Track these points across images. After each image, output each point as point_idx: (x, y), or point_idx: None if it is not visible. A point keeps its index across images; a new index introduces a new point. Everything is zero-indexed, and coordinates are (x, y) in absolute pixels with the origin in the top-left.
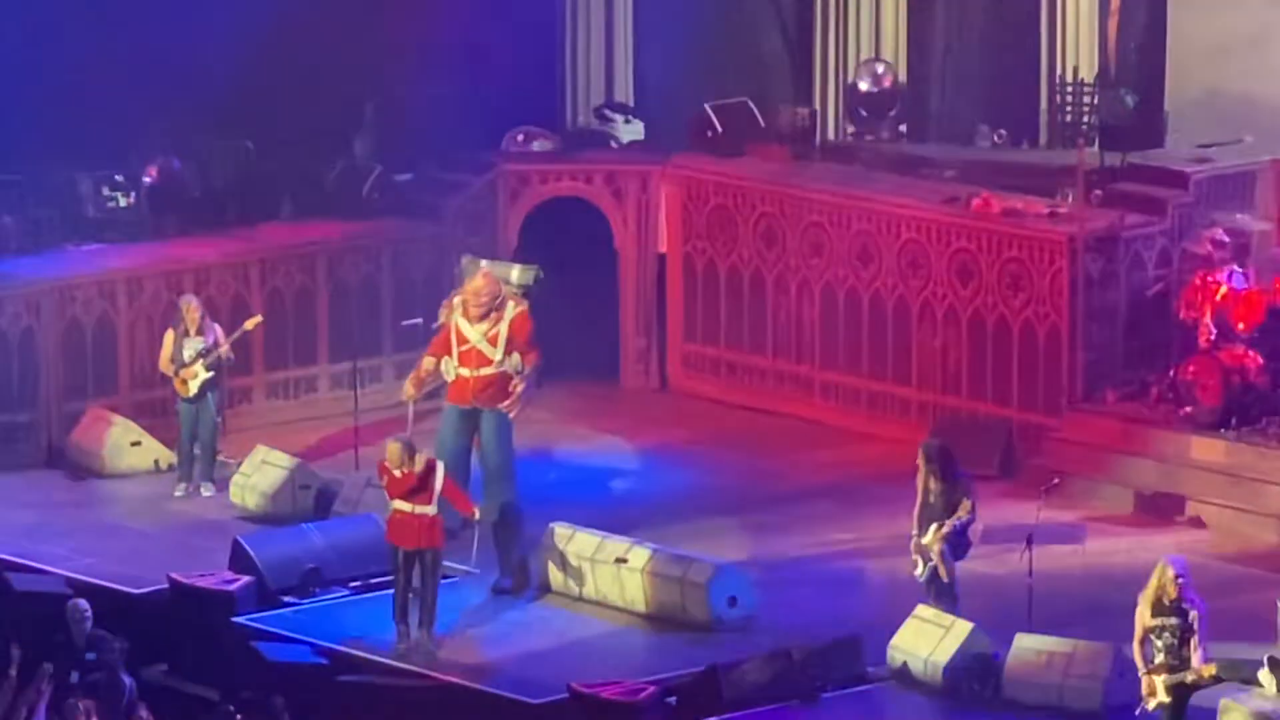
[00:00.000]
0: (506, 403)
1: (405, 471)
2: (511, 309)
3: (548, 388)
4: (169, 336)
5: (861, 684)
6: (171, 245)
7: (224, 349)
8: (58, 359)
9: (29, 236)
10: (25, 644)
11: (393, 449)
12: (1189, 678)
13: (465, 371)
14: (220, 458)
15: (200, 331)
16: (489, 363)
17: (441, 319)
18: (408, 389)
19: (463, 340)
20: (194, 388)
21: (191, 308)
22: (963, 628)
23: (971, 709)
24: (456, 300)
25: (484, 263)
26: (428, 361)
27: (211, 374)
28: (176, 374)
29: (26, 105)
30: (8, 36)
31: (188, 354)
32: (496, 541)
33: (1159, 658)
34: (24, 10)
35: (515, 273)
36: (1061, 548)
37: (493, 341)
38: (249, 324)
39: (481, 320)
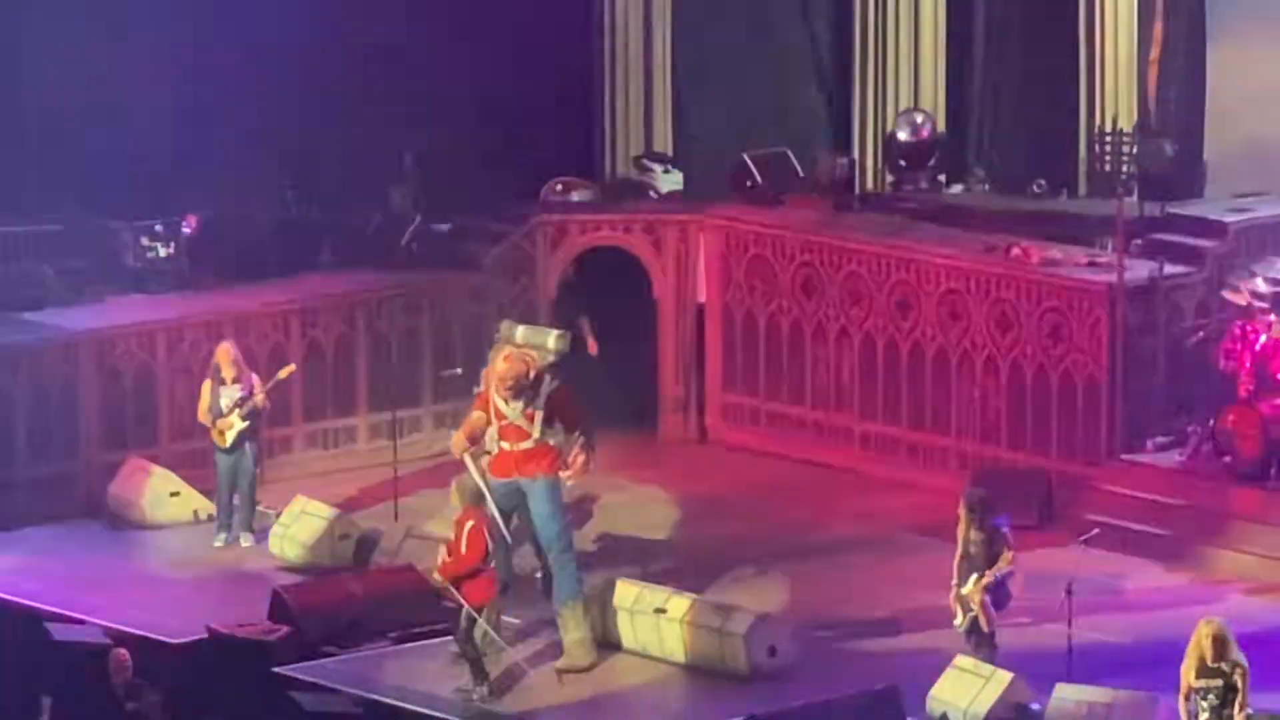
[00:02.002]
0: (569, 474)
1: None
2: (548, 384)
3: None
4: (206, 386)
5: None
6: (211, 295)
7: (259, 397)
8: (97, 409)
9: (68, 287)
10: (61, 694)
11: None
12: None
13: (506, 445)
14: (260, 508)
15: (236, 380)
16: (527, 437)
17: (482, 385)
18: (458, 443)
19: (500, 415)
20: (230, 438)
21: (227, 355)
22: (1002, 678)
23: None
24: (486, 370)
25: (520, 330)
26: (477, 417)
27: (247, 423)
28: (214, 424)
29: (67, 155)
30: (49, 87)
31: (224, 403)
32: (564, 622)
33: (1203, 716)
34: (65, 61)
35: (552, 340)
36: (1101, 598)
37: (530, 419)
38: (283, 373)
39: (516, 399)
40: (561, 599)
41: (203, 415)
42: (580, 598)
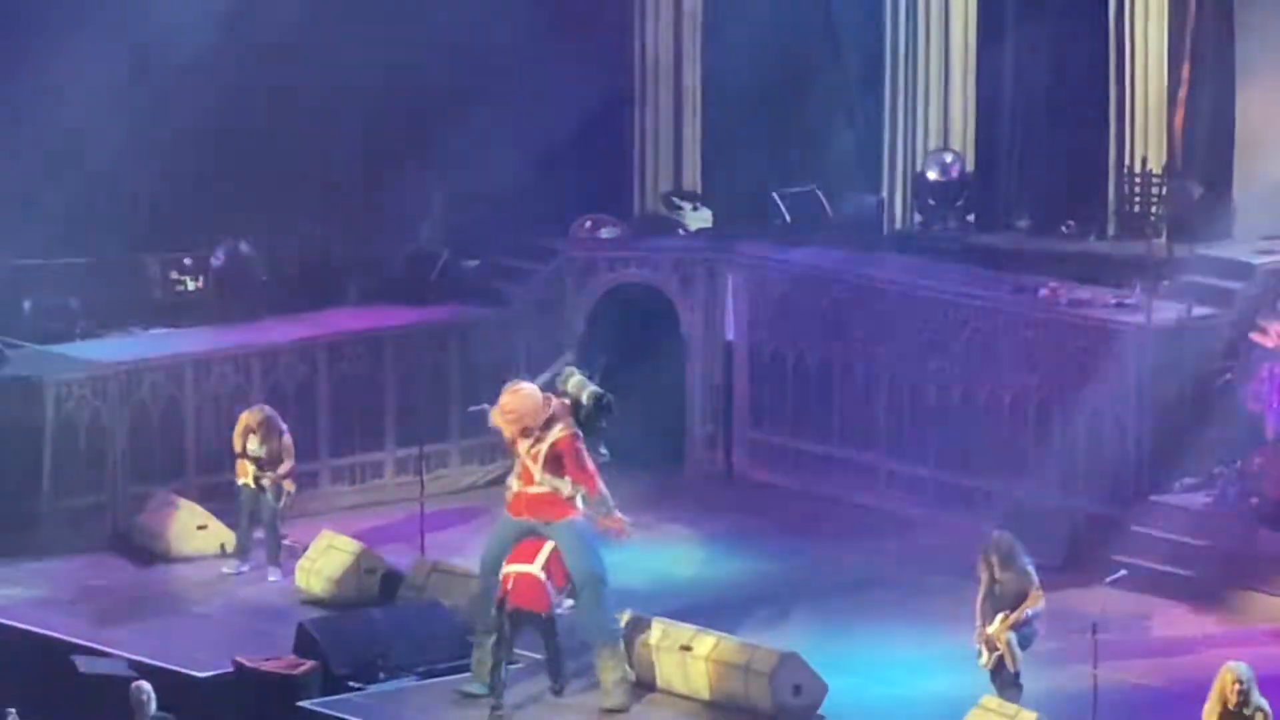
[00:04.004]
0: (613, 529)
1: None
2: (557, 431)
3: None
4: (241, 420)
5: None
6: (239, 329)
7: (283, 471)
8: (125, 442)
9: (96, 320)
10: None
11: None
12: None
13: (517, 485)
14: (286, 542)
15: (264, 441)
16: (533, 480)
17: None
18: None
19: (518, 454)
20: (248, 477)
21: (253, 421)
22: (1028, 718)
23: None
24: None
25: (574, 379)
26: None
27: (264, 476)
28: (240, 455)
29: (95, 188)
30: (77, 120)
31: (251, 449)
32: (602, 663)
33: None
34: (92, 93)
35: (586, 395)
36: (1127, 639)
37: (534, 458)
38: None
39: (525, 437)
40: (600, 639)
41: (236, 440)
42: (619, 638)
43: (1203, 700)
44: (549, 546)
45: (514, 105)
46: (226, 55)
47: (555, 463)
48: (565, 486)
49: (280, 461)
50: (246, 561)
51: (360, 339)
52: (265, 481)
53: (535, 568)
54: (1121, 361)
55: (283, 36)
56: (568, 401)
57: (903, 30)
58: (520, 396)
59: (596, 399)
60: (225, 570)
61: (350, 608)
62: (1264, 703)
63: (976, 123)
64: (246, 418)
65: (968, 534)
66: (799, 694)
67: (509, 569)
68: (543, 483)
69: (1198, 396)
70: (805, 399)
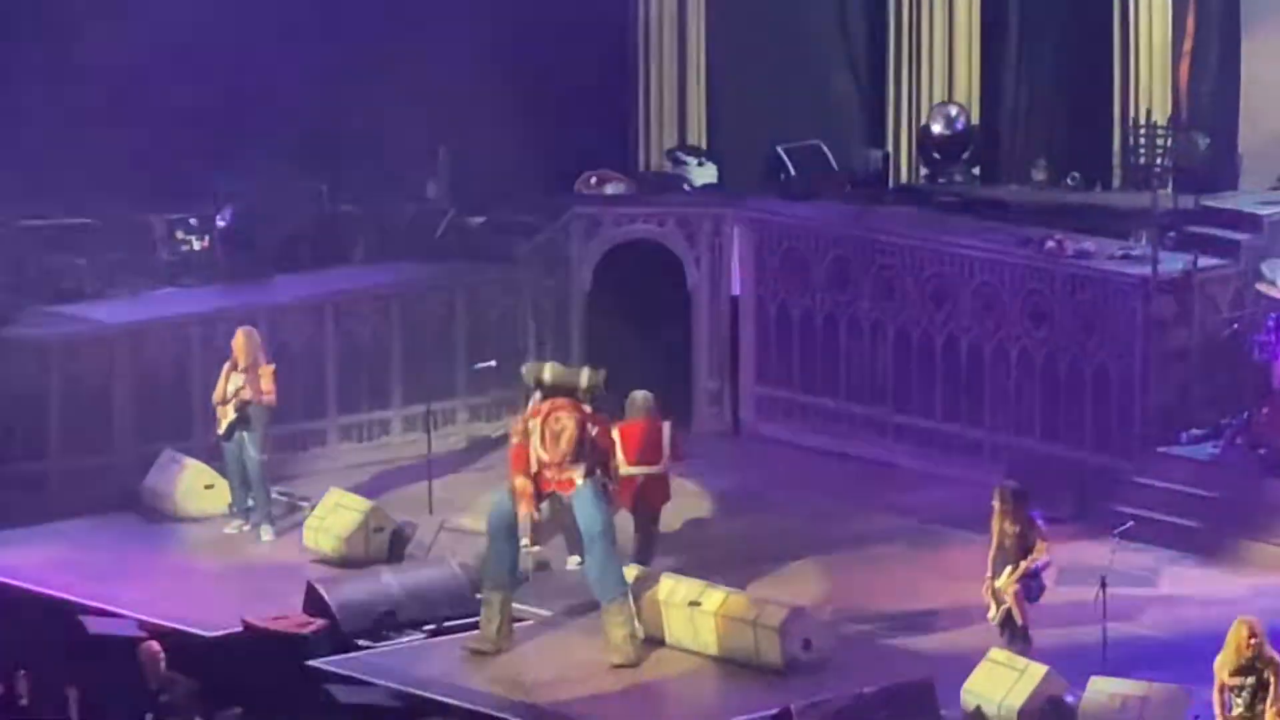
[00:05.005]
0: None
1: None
2: (591, 431)
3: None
4: (224, 369)
5: None
6: (245, 288)
7: (246, 392)
8: (131, 403)
9: (102, 280)
10: (94, 686)
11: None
12: None
13: (547, 474)
14: (297, 501)
15: (247, 369)
16: (570, 480)
17: (514, 440)
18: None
19: (543, 463)
20: (223, 426)
21: (241, 343)
22: (1037, 671)
23: None
24: (532, 424)
25: (547, 371)
26: (521, 485)
27: (237, 415)
28: (221, 404)
29: (100, 148)
30: (81, 81)
31: (229, 389)
32: (610, 618)
33: (1237, 709)
34: (97, 55)
35: (584, 379)
36: (1136, 590)
37: (575, 465)
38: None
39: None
40: (608, 596)
41: (216, 397)
42: (627, 594)
43: (1212, 652)
44: (668, 436)
45: (519, 61)
46: (232, 13)
47: (594, 462)
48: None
49: (261, 381)
50: (247, 520)
51: (367, 297)
52: (250, 413)
53: (662, 467)
54: (1128, 313)
55: None
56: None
57: None
58: (569, 427)
59: (597, 376)
60: (228, 530)
61: (359, 566)
62: (1275, 655)
63: (981, 75)
64: (228, 365)
65: (975, 487)
66: (808, 649)
67: (636, 470)
68: (579, 479)
69: (1204, 348)
70: (812, 353)
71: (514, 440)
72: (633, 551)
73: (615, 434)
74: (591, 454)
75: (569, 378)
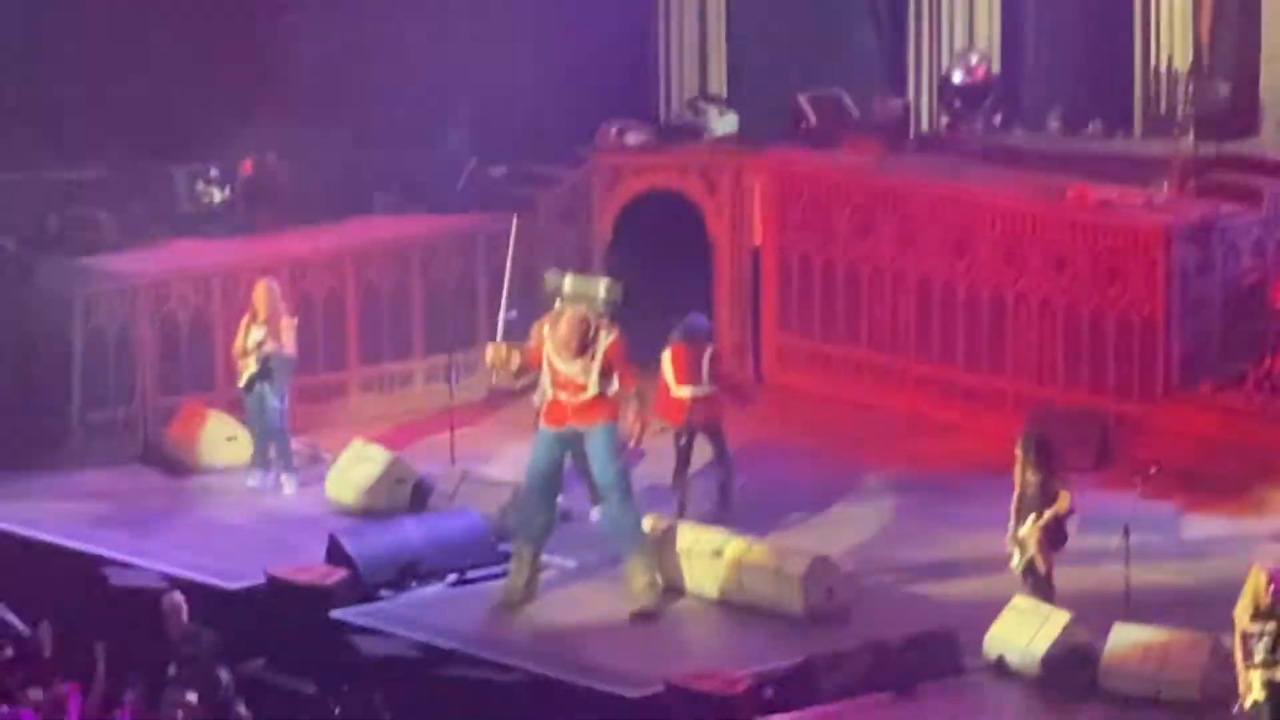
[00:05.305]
0: (630, 440)
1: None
2: (604, 339)
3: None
4: (244, 321)
5: (958, 676)
6: (266, 240)
7: (269, 346)
8: (153, 354)
9: (123, 232)
10: (114, 640)
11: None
12: None
13: (563, 396)
14: (319, 452)
15: (267, 320)
16: (584, 389)
17: (532, 341)
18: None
19: (555, 370)
20: (244, 379)
21: (261, 295)
22: (1060, 618)
23: (1069, 700)
24: (546, 329)
25: (568, 281)
26: (519, 354)
27: (258, 368)
28: (240, 359)
29: (120, 100)
30: (100, 31)
31: (250, 342)
32: (630, 567)
33: (1258, 656)
34: (121, 6)
35: (602, 289)
36: (1158, 537)
37: (587, 372)
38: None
39: (575, 359)
40: (626, 546)
41: (236, 349)
42: (645, 542)
43: (1234, 600)
44: (707, 358)
45: (540, 10)
46: None
47: (608, 369)
48: (613, 386)
49: (282, 335)
50: (269, 472)
51: (388, 248)
52: (272, 365)
53: (706, 386)
54: (1149, 261)
55: None
56: (588, 306)
57: None
58: (573, 322)
59: (617, 287)
60: (250, 483)
61: (381, 517)
62: None
63: (1002, 23)
64: (247, 317)
65: (998, 436)
66: (831, 597)
67: (683, 391)
68: (601, 389)
69: (1226, 296)
70: (833, 303)
71: (531, 343)
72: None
73: (666, 356)
74: (602, 357)
75: (588, 288)
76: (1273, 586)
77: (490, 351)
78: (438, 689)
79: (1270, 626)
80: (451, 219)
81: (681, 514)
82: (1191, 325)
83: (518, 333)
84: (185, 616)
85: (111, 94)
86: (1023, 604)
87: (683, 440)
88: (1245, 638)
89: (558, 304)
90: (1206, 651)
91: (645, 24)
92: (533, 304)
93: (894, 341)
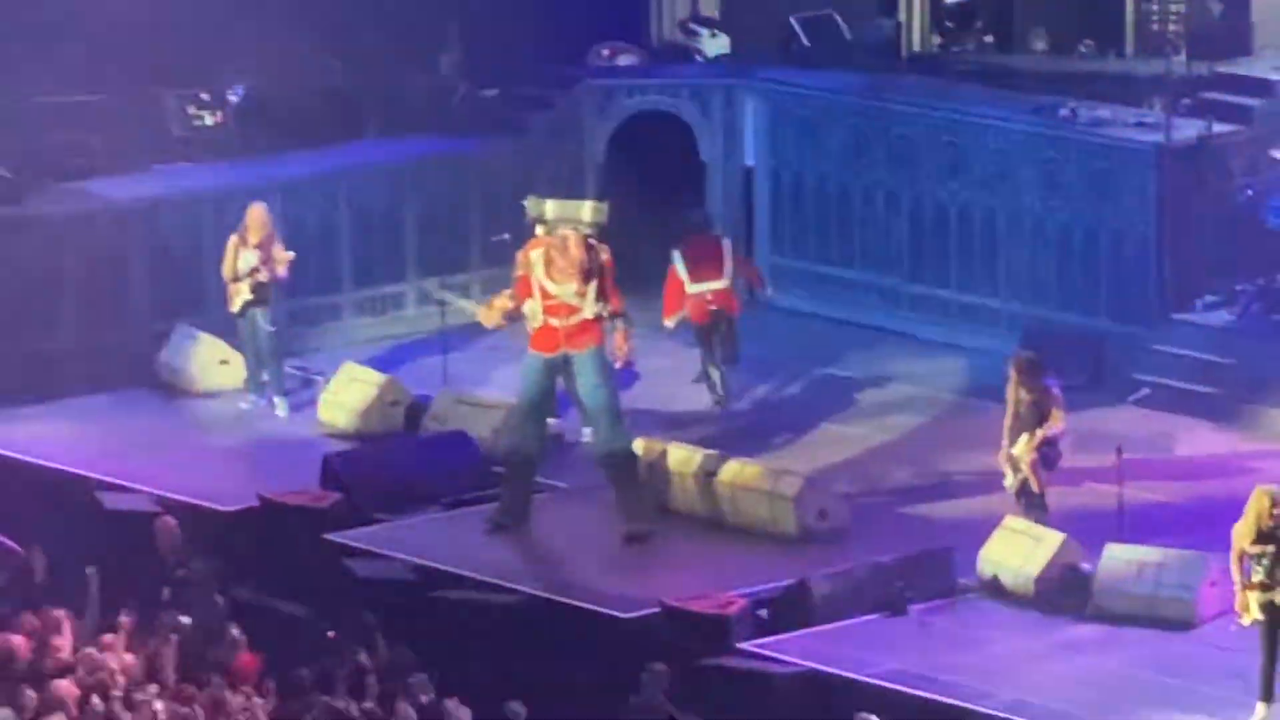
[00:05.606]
0: (618, 358)
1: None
2: (598, 258)
3: (633, 301)
4: (232, 243)
5: (951, 595)
6: (258, 163)
7: (263, 273)
8: (146, 278)
9: (115, 156)
10: (111, 562)
11: None
12: (1279, 598)
13: (555, 321)
14: (312, 375)
15: (259, 245)
16: (577, 312)
17: (518, 271)
18: (491, 317)
19: (548, 295)
20: (237, 304)
21: (255, 218)
22: (1053, 538)
23: (1062, 619)
24: (534, 255)
25: (549, 205)
26: (507, 300)
27: (254, 295)
28: (232, 283)
29: (110, 24)
30: None
31: (242, 266)
32: (620, 488)
33: (1257, 576)
34: None
35: (588, 212)
36: (1152, 457)
37: (582, 295)
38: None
39: (585, 282)
40: (617, 468)
41: (226, 272)
42: (636, 465)
43: (1227, 519)
44: (728, 252)
45: None
46: None
47: (603, 290)
48: (605, 309)
49: (277, 266)
50: (263, 396)
51: (380, 171)
52: (265, 291)
53: (726, 281)
54: (1142, 181)
55: None
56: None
57: None
58: (581, 245)
59: (602, 210)
60: (243, 405)
61: (375, 440)
62: None
63: None
64: (235, 239)
65: (990, 356)
66: (824, 518)
67: (701, 287)
68: (590, 310)
69: (1219, 214)
70: (826, 223)
71: (517, 273)
72: (719, 354)
73: (677, 255)
74: (600, 275)
75: (572, 211)
76: (1275, 510)
77: (482, 315)
78: (432, 611)
79: (1271, 549)
80: (443, 142)
81: (721, 403)
82: (1184, 244)
83: (508, 255)
84: (179, 540)
85: (101, 18)
86: (1016, 524)
87: (707, 334)
88: (1244, 558)
89: (537, 230)
90: (1200, 570)
91: None
92: (526, 226)
93: (887, 261)
